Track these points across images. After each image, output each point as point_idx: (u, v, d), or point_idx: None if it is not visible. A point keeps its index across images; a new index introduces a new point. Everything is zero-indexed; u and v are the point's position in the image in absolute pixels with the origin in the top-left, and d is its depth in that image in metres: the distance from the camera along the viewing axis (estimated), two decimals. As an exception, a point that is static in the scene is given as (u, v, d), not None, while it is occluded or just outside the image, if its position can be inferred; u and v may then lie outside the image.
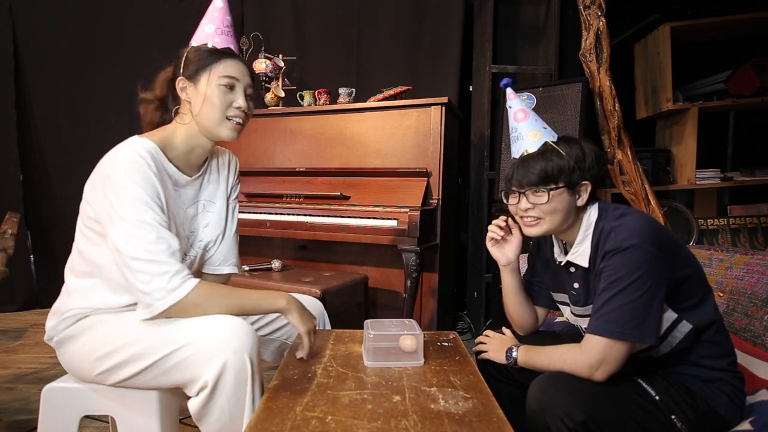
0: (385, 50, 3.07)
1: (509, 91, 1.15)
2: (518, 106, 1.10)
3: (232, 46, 1.09)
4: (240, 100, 1.07)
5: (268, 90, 2.82)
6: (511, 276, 1.20)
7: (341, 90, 2.63)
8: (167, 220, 1.01)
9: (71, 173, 3.26)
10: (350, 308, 2.15)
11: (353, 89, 2.66)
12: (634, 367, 0.99)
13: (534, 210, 1.02)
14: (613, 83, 2.31)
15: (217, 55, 1.06)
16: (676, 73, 2.67)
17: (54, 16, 3.22)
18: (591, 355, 0.92)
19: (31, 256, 3.28)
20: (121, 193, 0.94)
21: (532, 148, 1.04)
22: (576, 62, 2.45)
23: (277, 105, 2.81)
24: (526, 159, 1.03)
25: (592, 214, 1.03)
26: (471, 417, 0.79)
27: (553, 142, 1.03)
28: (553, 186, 0.99)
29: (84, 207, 1.03)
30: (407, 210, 2.11)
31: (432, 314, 2.40)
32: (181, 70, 1.06)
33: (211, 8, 1.11)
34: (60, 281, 1.09)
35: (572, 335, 1.22)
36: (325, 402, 0.84)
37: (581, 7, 2.34)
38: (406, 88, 2.51)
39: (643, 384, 0.97)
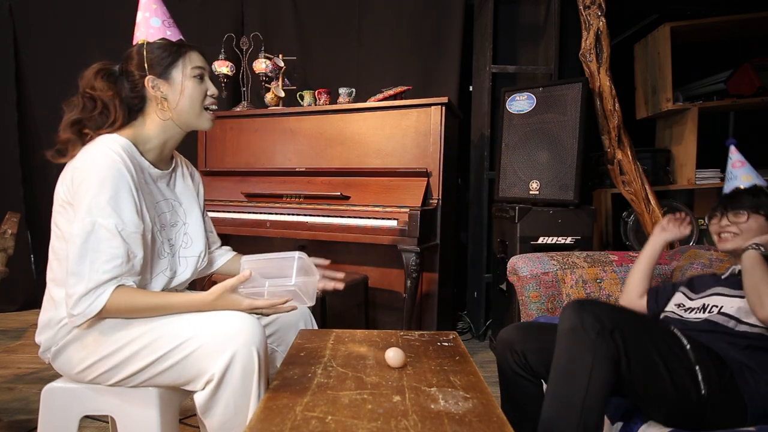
0: (385, 50, 3.06)
1: (732, 148, 1.46)
2: (736, 158, 1.43)
3: (182, 37, 1.14)
4: (212, 87, 1.13)
5: (268, 90, 2.82)
6: (652, 249, 1.45)
7: (341, 90, 2.63)
8: (137, 223, 0.98)
9: (71, 173, 3.26)
10: (350, 308, 2.15)
11: (353, 89, 2.65)
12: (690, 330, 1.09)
13: (732, 226, 1.27)
14: (613, 83, 2.31)
15: (181, 49, 1.10)
16: (676, 73, 2.67)
17: (54, 17, 3.22)
18: None
19: (31, 256, 3.28)
20: (91, 192, 0.95)
21: (745, 185, 1.36)
22: (576, 62, 2.45)
23: (277, 105, 2.81)
24: (739, 192, 1.34)
25: None
26: (471, 417, 0.79)
27: (760, 184, 1.35)
28: (754, 211, 1.27)
29: (60, 215, 1.03)
30: (407, 210, 2.11)
31: (432, 314, 2.40)
32: (147, 70, 1.08)
33: (145, 1, 1.14)
34: None
35: None
36: (325, 402, 0.84)
37: (581, 7, 2.34)
38: (406, 88, 2.51)
39: (678, 334, 1.04)
